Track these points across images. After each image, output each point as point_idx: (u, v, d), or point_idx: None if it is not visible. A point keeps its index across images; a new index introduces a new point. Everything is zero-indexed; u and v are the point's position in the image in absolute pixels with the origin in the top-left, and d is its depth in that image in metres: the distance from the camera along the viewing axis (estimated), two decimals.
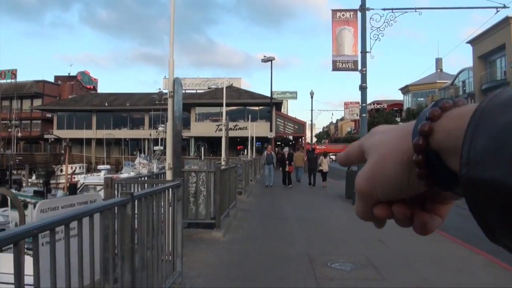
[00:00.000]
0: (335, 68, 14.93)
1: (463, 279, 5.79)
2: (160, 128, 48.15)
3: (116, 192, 5.85)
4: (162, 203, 4.55)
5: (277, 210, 12.80)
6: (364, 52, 14.27)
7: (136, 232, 3.51)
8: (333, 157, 50.85)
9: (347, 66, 14.88)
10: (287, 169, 20.35)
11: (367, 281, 5.62)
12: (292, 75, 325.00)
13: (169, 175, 6.73)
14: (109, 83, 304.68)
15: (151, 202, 4.03)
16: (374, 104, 72.14)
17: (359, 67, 14.50)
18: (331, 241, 8.11)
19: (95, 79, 75.94)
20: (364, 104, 14.48)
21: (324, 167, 20.81)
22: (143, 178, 7.32)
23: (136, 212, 3.52)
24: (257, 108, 46.38)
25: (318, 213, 12.01)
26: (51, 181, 18.18)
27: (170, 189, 4.59)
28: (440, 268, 6.23)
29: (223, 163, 13.32)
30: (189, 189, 8.44)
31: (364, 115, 14.62)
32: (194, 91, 61.92)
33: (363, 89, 14.35)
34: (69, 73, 72.37)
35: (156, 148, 43.63)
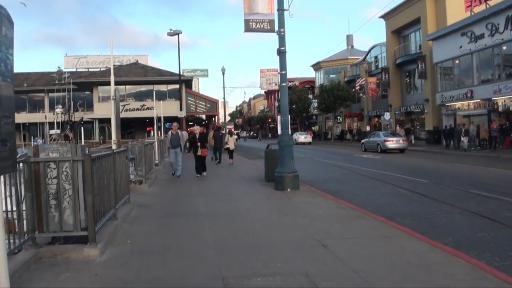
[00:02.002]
0: (248, 28, 12.54)
1: None
2: (58, 110, 43.44)
3: None
4: None
5: (184, 202, 10.31)
6: (281, 9, 12.12)
7: None
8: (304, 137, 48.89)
9: (261, 27, 12.54)
10: (199, 153, 15.85)
11: None
12: (202, 56, 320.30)
13: None
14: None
15: None
16: None
17: (276, 28, 12.31)
18: (255, 251, 5.78)
19: None
20: (284, 72, 12.35)
21: (230, 145, 21.34)
22: None
23: None
24: (166, 87, 43.17)
25: (235, 205, 9.66)
26: None
27: None
28: None
29: (114, 146, 10.56)
30: (48, 188, 5.72)
31: (284, 84, 12.48)
32: (98, 69, 57.17)
33: (281, 53, 12.22)
34: None
35: (52, 132, 39.10)
